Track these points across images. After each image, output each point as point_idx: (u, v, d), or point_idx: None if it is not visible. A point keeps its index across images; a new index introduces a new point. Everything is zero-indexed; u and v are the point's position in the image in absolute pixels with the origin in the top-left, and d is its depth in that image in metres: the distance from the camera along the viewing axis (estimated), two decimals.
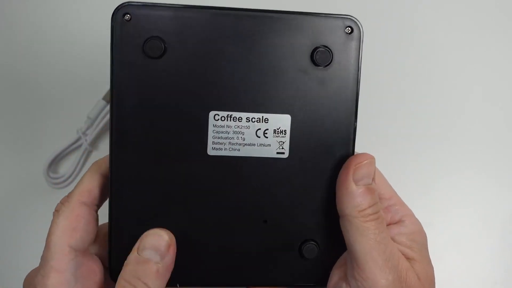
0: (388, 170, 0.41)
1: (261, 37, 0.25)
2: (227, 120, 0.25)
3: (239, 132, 0.26)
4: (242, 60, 0.25)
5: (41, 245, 0.42)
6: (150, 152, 0.25)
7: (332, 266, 0.27)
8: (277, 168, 0.26)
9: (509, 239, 0.40)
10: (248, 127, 0.26)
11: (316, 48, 0.26)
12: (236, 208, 0.26)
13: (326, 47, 0.26)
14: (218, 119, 0.25)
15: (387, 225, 0.26)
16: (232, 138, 0.26)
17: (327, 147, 0.27)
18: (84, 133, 0.40)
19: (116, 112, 0.25)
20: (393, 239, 0.26)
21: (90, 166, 0.26)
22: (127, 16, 0.24)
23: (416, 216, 0.40)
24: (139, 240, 0.24)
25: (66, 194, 0.26)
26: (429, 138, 0.41)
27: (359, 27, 0.26)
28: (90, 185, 0.25)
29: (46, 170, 0.40)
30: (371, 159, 0.25)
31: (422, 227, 0.27)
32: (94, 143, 0.41)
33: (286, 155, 0.26)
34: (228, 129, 0.25)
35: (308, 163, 0.26)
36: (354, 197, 0.24)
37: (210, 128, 0.25)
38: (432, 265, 0.26)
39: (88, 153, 0.41)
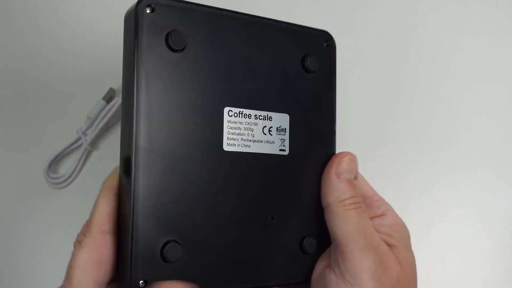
0: (388, 170, 0.41)
1: (266, 40, 0.27)
2: (239, 117, 0.26)
3: (249, 129, 0.26)
4: (250, 60, 0.26)
5: (41, 245, 0.42)
6: (174, 149, 0.24)
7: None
8: (280, 164, 0.27)
9: (509, 239, 0.40)
10: (256, 124, 0.26)
11: (306, 55, 0.28)
12: (249, 205, 0.26)
13: (313, 55, 0.28)
14: (232, 115, 0.26)
15: (371, 219, 0.27)
16: (244, 134, 0.26)
17: (316, 146, 0.28)
18: (84, 133, 0.40)
19: (141, 106, 0.23)
20: (375, 229, 0.27)
21: (100, 188, 0.25)
22: (150, 8, 0.23)
23: (416, 216, 0.40)
24: None
25: (85, 223, 0.25)
26: (429, 138, 0.41)
27: (333, 40, 0.30)
28: (108, 209, 0.24)
29: (46, 170, 0.40)
30: (352, 156, 0.28)
31: (404, 223, 0.28)
32: (94, 143, 0.41)
33: (286, 152, 0.27)
34: (240, 125, 0.26)
35: (304, 161, 0.28)
36: (336, 189, 0.26)
37: (225, 123, 0.25)
38: (413, 254, 0.28)
39: (88, 153, 0.41)
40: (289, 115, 0.27)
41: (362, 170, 0.40)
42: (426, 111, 0.42)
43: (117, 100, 0.39)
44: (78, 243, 0.24)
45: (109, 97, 0.40)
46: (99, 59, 0.43)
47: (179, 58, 0.24)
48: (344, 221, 0.25)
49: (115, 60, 0.43)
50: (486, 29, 0.42)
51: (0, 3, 0.44)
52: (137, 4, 0.23)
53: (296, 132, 0.28)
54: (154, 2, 0.23)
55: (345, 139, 0.41)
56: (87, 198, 0.41)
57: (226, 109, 0.25)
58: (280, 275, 0.27)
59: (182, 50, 0.24)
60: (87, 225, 0.24)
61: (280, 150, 0.27)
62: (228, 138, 0.25)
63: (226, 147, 0.25)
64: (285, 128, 0.27)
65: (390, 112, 0.42)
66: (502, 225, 0.40)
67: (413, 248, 0.39)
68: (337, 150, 0.41)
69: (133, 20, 0.23)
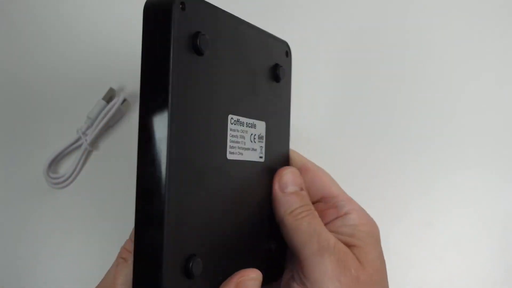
0: (388, 170, 0.41)
1: (250, 45, 0.26)
2: (237, 124, 0.25)
3: (242, 137, 0.26)
4: (242, 66, 0.26)
5: (41, 245, 0.42)
6: (199, 161, 0.22)
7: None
8: (259, 171, 0.27)
9: (509, 239, 0.40)
10: (247, 132, 0.26)
11: (277, 64, 0.28)
12: (242, 213, 0.26)
13: (282, 65, 0.29)
14: (233, 123, 0.25)
15: (334, 219, 0.28)
16: (239, 142, 0.26)
17: (278, 154, 0.29)
18: (84, 133, 0.40)
19: (176, 109, 0.21)
20: (336, 231, 0.27)
21: None
22: (182, 5, 0.21)
23: (416, 216, 0.40)
24: (234, 284, 0.23)
25: (129, 238, 0.24)
26: (429, 138, 0.41)
27: (290, 51, 0.30)
28: None
29: (46, 170, 0.40)
30: (292, 169, 0.28)
31: (371, 221, 0.29)
32: (94, 143, 0.41)
33: (263, 159, 0.28)
34: (237, 133, 0.26)
35: (272, 168, 0.28)
36: (283, 202, 0.27)
37: (228, 132, 0.25)
38: (378, 251, 0.28)
39: (88, 153, 0.41)
40: (265, 123, 0.28)
41: (362, 170, 0.40)
42: (426, 111, 0.42)
43: (117, 100, 0.39)
44: (123, 260, 0.23)
45: (109, 97, 0.40)
46: (99, 59, 0.43)
47: (201, 61, 0.22)
48: (297, 231, 0.26)
49: (115, 60, 0.43)
50: (484, 25, 0.42)
51: (0, 5, 0.44)
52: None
53: (268, 140, 0.28)
54: (187, 0, 0.21)
55: (344, 139, 0.42)
56: (87, 198, 0.41)
57: (229, 117, 0.25)
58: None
59: (204, 53, 0.22)
60: (133, 241, 0.23)
61: (259, 157, 0.27)
62: (229, 146, 0.25)
63: (228, 156, 0.25)
64: (263, 136, 0.28)
65: (390, 112, 0.42)
66: (502, 225, 0.40)
67: (413, 248, 0.39)
68: (336, 151, 0.41)
69: (164, 17, 0.21)
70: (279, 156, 0.29)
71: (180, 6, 0.21)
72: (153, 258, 0.20)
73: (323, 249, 0.25)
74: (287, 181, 0.28)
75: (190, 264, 0.21)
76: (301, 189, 0.28)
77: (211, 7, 0.23)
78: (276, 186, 0.28)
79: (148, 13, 0.21)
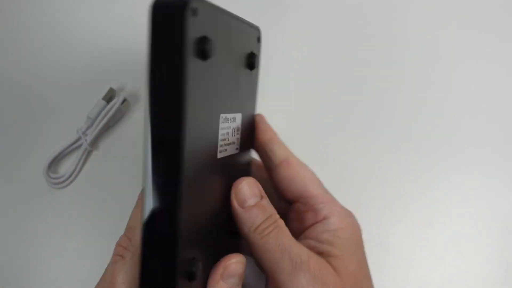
0: (388, 170, 0.41)
1: (235, 40, 0.26)
2: (225, 122, 0.25)
3: (228, 133, 0.26)
4: (230, 64, 0.25)
5: (41, 245, 0.42)
6: (202, 166, 0.22)
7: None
8: (235, 163, 0.27)
9: (509, 239, 0.40)
10: (230, 127, 0.26)
11: (252, 51, 0.27)
12: (222, 206, 0.26)
13: (256, 52, 0.28)
14: (223, 121, 0.25)
15: (313, 224, 0.27)
16: (225, 139, 0.26)
17: (247, 144, 0.29)
18: (84, 133, 0.40)
19: (190, 120, 0.20)
20: (315, 238, 0.26)
21: (139, 195, 0.24)
22: (194, 11, 0.20)
23: (416, 216, 0.40)
24: (222, 267, 0.23)
25: (124, 234, 0.23)
26: (429, 138, 0.41)
27: (261, 36, 0.29)
28: None
29: (46, 170, 0.40)
30: (247, 180, 0.26)
31: (352, 223, 0.27)
32: (94, 143, 0.41)
33: (238, 151, 0.27)
34: (224, 131, 0.25)
35: (243, 158, 0.28)
36: (244, 219, 0.25)
37: (219, 131, 0.25)
38: (358, 259, 0.26)
39: (88, 153, 0.41)
40: (241, 114, 0.27)
41: (362, 169, 0.40)
42: (426, 111, 0.42)
43: (117, 100, 0.39)
44: (120, 257, 0.23)
45: (109, 97, 0.40)
46: (99, 59, 0.43)
47: (204, 66, 0.21)
48: (265, 250, 0.24)
49: (115, 60, 0.43)
50: (484, 24, 0.42)
51: (0, 5, 0.44)
52: (185, 4, 0.19)
53: (242, 130, 0.28)
54: (198, 4, 0.20)
55: (344, 139, 0.42)
56: (87, 198, 0.41)
57: (221, 116, 0.25)
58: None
59: (208, 58, 0.21)
60: (128, 237, 0.23)
61: (236, 149, 0.27)
62: (219, 145, 0.25)
63: (218, 154, 0.25)
64: (239, 128, 0.27)
65: (390, 112, 0.42)
66: (502, 225, 0.40)
67: (413, 248, 0.39)
68: (335, 151, 0.41)
69: (176, 24, 0.19)
70: (248, 143, 0.29)
71: (192, 12, 0.20)
72: (165, 262, 0.20)
73: (297, 267, 0.24)
74: (245, 195, 0.26)
75: (193, 268, 0.21)
76: (261, 197, 0.26)
77: (215, 9, 0.22)
78: (235, 204, 0.26)
79: (157, 18, 0.20)
